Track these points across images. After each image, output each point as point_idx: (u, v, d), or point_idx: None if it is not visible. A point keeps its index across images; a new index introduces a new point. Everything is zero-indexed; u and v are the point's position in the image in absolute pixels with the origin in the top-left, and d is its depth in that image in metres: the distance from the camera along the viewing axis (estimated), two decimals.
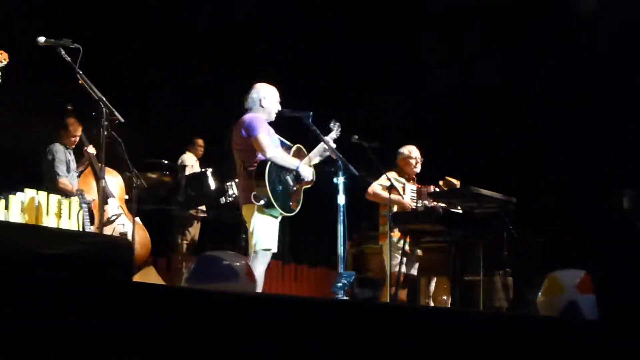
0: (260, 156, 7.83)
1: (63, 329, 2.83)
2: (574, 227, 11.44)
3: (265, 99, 8.06)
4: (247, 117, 7.95)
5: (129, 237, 9.03)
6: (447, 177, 9.81)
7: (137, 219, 9.48)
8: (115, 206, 9.29)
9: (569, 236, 11.04)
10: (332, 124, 8.44)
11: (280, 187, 7.86)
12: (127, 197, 9.62)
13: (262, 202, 7.68)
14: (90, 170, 9.28)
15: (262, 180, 7.71)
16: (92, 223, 8.64)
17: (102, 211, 7.27)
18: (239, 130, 7.87)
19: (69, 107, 8.84)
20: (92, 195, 9.02)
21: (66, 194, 8.84)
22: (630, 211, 10.08)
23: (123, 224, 9.32)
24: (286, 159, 8.02)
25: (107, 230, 8.83)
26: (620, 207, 10.12)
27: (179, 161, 11.72)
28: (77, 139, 9.40)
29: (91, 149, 9.04)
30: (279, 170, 7.91)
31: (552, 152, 12.80)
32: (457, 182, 9.78)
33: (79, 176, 9.25)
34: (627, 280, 6.95)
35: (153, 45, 11.67)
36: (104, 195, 7.42)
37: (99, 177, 8.91)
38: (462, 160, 12.43)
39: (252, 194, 7.68)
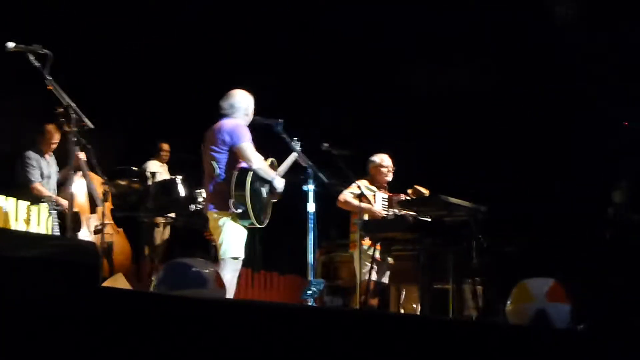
0: (242, 164, 7.79)
1: (28, 332, 2.81)
2: (543, 236, 11.47)
3: (249, 109, 8.04)
4: (231, 123, 7.88)
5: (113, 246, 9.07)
6: (415, 186, 9.83)
7: (121, 230, 9.49)
8: (101, 215, 9.26)
9: (539, 245, 11.06)
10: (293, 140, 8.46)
11: (257, 198, 7.85)
12: (112, 206, 9.62)
13: (239, 210, 7.65)
14: (81, 176, 9.23)
15: (243, 189, 7.68)
16: (77, 230, 8.67)
17: (70, 217, 7.19)
18: (220, 135, 7.79)
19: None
20: (80, 200, 9.01)
21: (42, 199, 8.82)
22: (622, 204, 10.11)
23: (111, 233, 9.29)
24: (267, 171, 8.01)
25: (94, 240, 8.79)
26: (611, 201, 10.16)
27: (143, 168, 11.69)
28: (55, 145, 9.38)
29: (81, 155, 8.99)
30: (259, 181, 7.89)
31: (522, 159, 12.83)
32: (426, 191, 9.80)
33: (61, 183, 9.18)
34: (604, 286, 6.99)
35: (121, 51, 11.62)
36: (72, 202, 7.34)
37: (88, 182, 8.89)
38: (432, 168, 12.44)
39: (231, 202, 7.64)
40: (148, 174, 11.22)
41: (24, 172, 9.25)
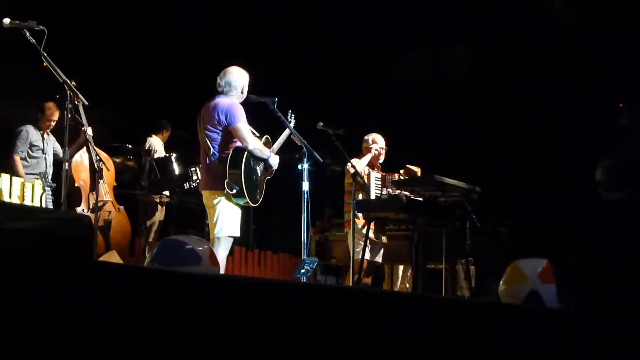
0: (237, 143, 7.78)
1: (19, 305, 2.82)
2: (536, 217, 11.49)
3: (245, 87, 8.02)
4: (226, 102, 7.84)
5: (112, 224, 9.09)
6: (407, 165, 9.85)
7: (122, 208, 9.49)
8: (103, 192, 9.25)
9: (532, 225, 11.09)
10: (288, 114, 8.46)
11: (252, 178, 7.85)
12: (115, 184, 9.62)
13: (234, 190, 7.65)
14: (85, 151, 9.22)
15: (238, 168, 7.68)
16: (77, 206, 8.70)
17: (65, 194, 7.20)
18: (216, 114, 7.75)
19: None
20: (84, 176, 9.03)
21: (16, 172, 8.85)
22: (605, 182, 10.15)
23: (109, 211, 9.30)
24: (262, 150, 7.99)
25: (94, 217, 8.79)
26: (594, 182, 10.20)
27: (146, 145, 11.69)
28: (54, 123, 9.38)
29: (89, 131, 8.97)
30: (254, 160, 7.89)
31: (515, 140, 12.84)
32: (417, 170, 9.82)
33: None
34: (591, 268, 7.01)
35: (118, 28, 11.60)
36: (68, 179, 7.34)
37: (94, 160, 8.89)
38: (427, 148, 12.45)
39: (225, 181, 7.64)
40: (146, 150, 11.26)
41: (13, 142, 9.27)
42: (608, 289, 6.41)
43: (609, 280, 6.75)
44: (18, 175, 8.93)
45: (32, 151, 9.37)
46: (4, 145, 9.44)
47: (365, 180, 9.32)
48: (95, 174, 8.89)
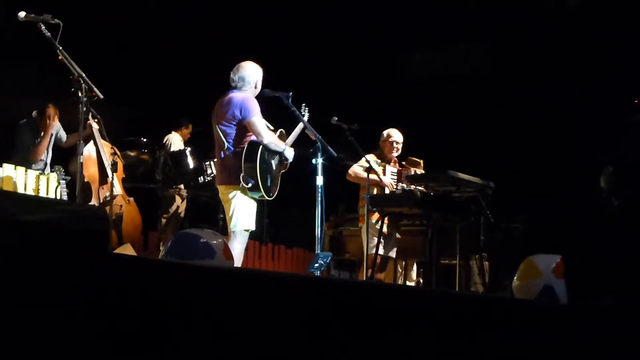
0: (252, 137, 7.79)
1: (34, 297, 2.82)
2: (550, 212, 11.47)
3: (258, 82, 8.02)
4: (240, 97, 7.84)
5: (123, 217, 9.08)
6: (410, 157, 9.86)
7: (132, 199, 9.49)
8: (115, 185, 9.26)
9: (546, 221, 11.07)
10: (302, 108, 8.46)
11: (267, 171, 7.86)
12: (124, 176, 9.62)
13: (250, 184, 7.65)
14: (92, 145, 9.21)
15: (254, 162, 7.68)
16: (87, 200, 8.68)
17: (80, 187, 7.21)
18: (230, 109, 7.76)
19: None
20: (92, 170, 9.02)
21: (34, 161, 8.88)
22: (608, 189, 10.13)
23: (120, 205, 9.29)
24: (277, 143, 8.00)
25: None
26: (598, 186, 10.17)
27: (165, 139, 11.70)
28: (51, 128, 9.32)
29: (94, 124, 8.98)
30: (268, 153, 7.90)
31: (530, 136, 12.83)
32: (420, 162, 9.82)
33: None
34: (599, 264, 7.00)
35: (133, 22, 11.61)
36: (81, 171, 7.35)
37: (101, 153, 8.90)
38: (442, 143, 12.44)
39: (241, 175, 7.64)
40: (161, 144, 11.28)
41: (20, 141, 9.27)
42: (607, 288, 6.41)
43: (608, 279, 6.75)
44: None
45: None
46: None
47: (381, 174, 9.31)
48: (104, 167, 8.89)
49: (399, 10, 12.99)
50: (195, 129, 11.98)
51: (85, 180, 9.13)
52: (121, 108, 10.13)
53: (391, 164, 9.66)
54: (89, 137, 9.05)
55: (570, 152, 12.20)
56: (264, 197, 7.84)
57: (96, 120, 8.84)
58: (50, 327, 2.84)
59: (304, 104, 8.46)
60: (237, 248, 7.64)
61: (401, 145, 9.76)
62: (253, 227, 7.87)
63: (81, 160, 7.20)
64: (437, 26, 13.18)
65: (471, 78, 13.66)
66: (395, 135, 9.73)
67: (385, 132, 9.78)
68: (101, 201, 9.14)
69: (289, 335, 3.69)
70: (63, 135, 9.43)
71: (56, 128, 9.45)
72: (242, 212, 7.77)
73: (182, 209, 11.59)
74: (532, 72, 13.11)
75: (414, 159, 9.84)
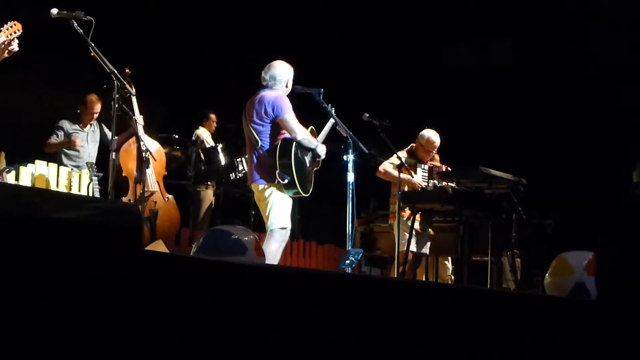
0: (285, 135, 7.81)
1: (68, 294, 2.84)
2: (582, 209, 11.42)
3: (289, 80, 8.03)
4: (272, 95, 7.85)
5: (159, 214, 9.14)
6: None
7: (171, 197, 9.52)
8: (151, 182, 9.30)
9: (577, 218, 11.02)
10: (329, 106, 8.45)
11: (301, 168, 7.86)
12: (165, 173, 9.66)
13: (286, 180, 7.66)
14: (134, 141, 9.27)
15: (288, 159, 7.69)
16: (123, 195, 8.75)
17: (112, 183, 7.24)
18: (262, 107, 7.78)
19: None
20: (131, 166, 9.08)
21: (55, 148, 8.95)
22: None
23: (155, 201, 9.33)
24: (311, 140, 8.02)
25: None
26: (631, 181, 10.10)
27: (193, 136, 11.73)
28: (96, 115, 9.45)
29: (140, 120, 9.04)
30: (302, 150, 7.91)
31: (563, 132, 12.78)
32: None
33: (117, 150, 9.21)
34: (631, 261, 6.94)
35: (166, 18, 11.66)
36: (115, 168, 7.39)
37: (142, 150, 8.95)
38: (474, 140, 12.41)
39: (277, 173, 7.66)
40: (192, 140, 11.31)
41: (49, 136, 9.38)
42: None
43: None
44: (56, 147, 9.09)
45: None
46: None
47: (412, 171, 9.29)
48: (143, 164, 8.94)
49: (431, 2, 13.00)
50: (226, 125, 12.01)
51: (124, 174, 9.19)
52: (153, 104, 10.15)
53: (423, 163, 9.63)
54: (133, 133, 9.13)
55: (603, 147, 12.13)
56: (300, 193, 7.85)
57: (134, 116, 8.91)
58: (82, 324, 2.86)
59: (329, 104, 8.42)
60: (274, 246, 7.65)
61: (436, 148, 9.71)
62: (289, 225, 7.88)
63: (113, 157, 7.25)
64: (471, 19, 13.15)
65: (503, 72, 13.60)
66: (436, 140, 9.60)
67: (426, 134, 9.63)
68: (137, 197, 9.19)
69: (320, 332, 3.69)
70: (108, 134, 9.52)
71: (96, 134, 9.54)
72: (279, 210, 7.78)
73: (213, 206, 11.62)
74: (566, 65, 13.05)
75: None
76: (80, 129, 9.47)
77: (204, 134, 11.87)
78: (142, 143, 8.91)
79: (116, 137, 9.41)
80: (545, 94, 13.13)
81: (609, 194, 11.20)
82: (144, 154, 8.88)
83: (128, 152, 9.27)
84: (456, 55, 14.04)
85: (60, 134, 9.38)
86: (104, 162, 9.32)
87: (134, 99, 8.88)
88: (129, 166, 9.23)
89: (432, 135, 9.65)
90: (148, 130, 9.36)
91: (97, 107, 9.42)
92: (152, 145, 9.23)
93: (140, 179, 9.00)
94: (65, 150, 9.37)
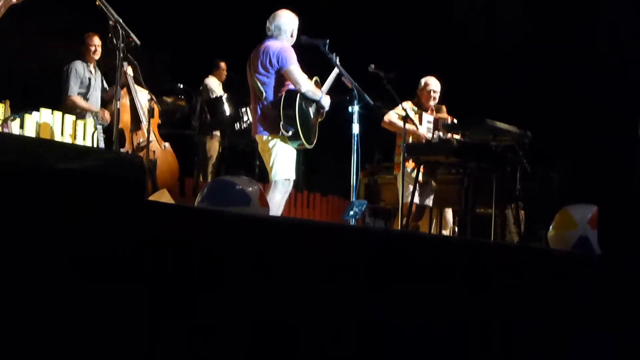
0: (289, 86, 7.79)
1: (74, 243, 2.84)
2: (587, 162, 11.41)
3: (294, 30, 7.99)
4: (276, 45, 7.83)
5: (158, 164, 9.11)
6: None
7: (168, 145, 9.50)
8: (146, 131, 9.29)
9: (582, 171, 11.01)
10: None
11: (306, 119, 7.85)
12: (159, 122, 9.64)
13: (290, 132, 7.65)
14: (126, 92, 9.25)
15: (292, 110, 7.68)
16: (121, 147, 8.72)
17: (117, 133, 7.24)
18: (267, 59, 7.76)
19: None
20: (125, 118, 9.06)
21: (77, 111, 8.90)
22: None
23: (154, 150, 9.31)
24: (314, 91, 8.00)
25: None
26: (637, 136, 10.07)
27: (202, 85, 11.70)
28: (97, 54, 9.41)
29: (129, 70, 9.02)
30: (306, 102, 7.89)
31: (568, 85, 12.71)
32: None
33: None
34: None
35: None
36: (118, 118, 7.37)
37: (134, 100, 8.93)
38: (480, 92, 12.37)
39: (280, 124, 7.65)
40: (198, 90, 11.27)
41: (65, 83, 9.33)
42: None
43: None
44: (81, 107, 9.06)
45: (82, 88, 9.41)
46: (57, 86, 9.48)
47: (417, 121, 9.28)
48: (137, 114, 8.93)
49: None
50: (231, 74, 11.98)
51: (120, 127, 9.17)
52: (158, 54, 10.11)
53: (428, 112, 9.62)
54: (123, 83, 9.09)
55: (610, 102, 12.07)
56: (304, 145, 7.84)
57: (131, 66, 8.87)
58: (86, 276, 2.87)
59: (334, 53, 8.37)
60: (277, 197, 7.67)
61: (438, 93, 9.70)
62: (294, 176, 7.89)
63: (118, 106, 7.23)
64: None
65: (511, 25, 13.53)
66: (433, 83, 9.67)
67: (423, 80, 9.71)
68: (134, 148, 9.18)
69: (322, 284, 3.70)
70: (105, 85, 9.50)
71: (99, 78, 9.51)
72: (282, 161, 7.78)
73: (218, 156, 11.61)
74: (577, 19, 12.97)
75: (436, 105, 9.79)
76: (92, 73, 9.45)
77: (213, 83, 11.84)
78: (135, 93, 8.89)
79: (107, 89, 9.46)
80: (552, 45, 13.05)
81: (613, 150, 11.18)
82: (149, 103, 8.87)
83: (122, 104, 9.24)
84: (464, 4, 13.96)
85: (75, 84, 9.33)
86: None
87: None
88: (124, 118, 9.21)
89: (428, 79, 9.69)
90: (154, 80, 9.34)
91: (95, 40, 9.39)
92: (142, 96, 9.20)
93: (136, 128, 9.00)
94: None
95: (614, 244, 5.95)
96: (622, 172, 10.08)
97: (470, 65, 13.12)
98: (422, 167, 9.07)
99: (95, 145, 8.38)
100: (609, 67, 12.29)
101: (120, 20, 7.03)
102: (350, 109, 8.15)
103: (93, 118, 8.62)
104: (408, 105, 9.26)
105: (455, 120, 9.46)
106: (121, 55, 7.07)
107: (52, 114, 8.23)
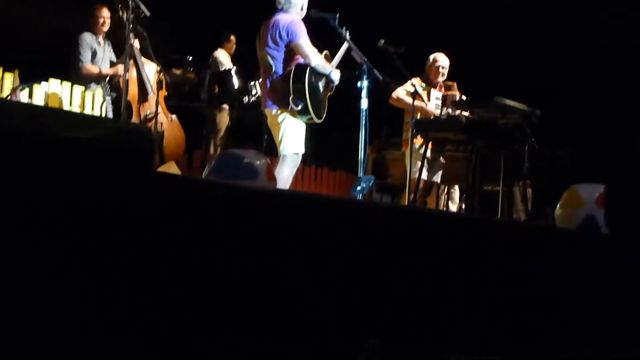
0: (299, 60, 7.77)
1: (79, 214, 2.85)
2: (595, 141, 11.39)
3: (305, 4, 7.97)
4: (286, 18, 7.81)
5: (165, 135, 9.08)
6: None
7: (174, 117, 9.48)
8: (153, 103, 9.27)
9: (591, 150, 10.99)
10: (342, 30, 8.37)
11: (315, 94, 7.84)
12: (166, 94, 9.61)
13: (299, 106, 7.65)
14: (132, 64, 9.22)
15: (302, 84, 7.67)
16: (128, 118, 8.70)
17: (125, 104, 7.24)
18: (277, 32, 7.74)
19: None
20: (132, 90, 9.04)
21: (92, 80, 8.88)
22: None
23: (161, 122, 9.30)
24: (325, 65, 7.99)
25: None
26: None
27: (211, 58, 11.67)
28: (106, 25, 9.37)
29: (136, 43, 8.99)
30: (315, 76, 7.87)
31: (577, 64, 12.67)
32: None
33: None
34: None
35: None
36: (127, 90, 7.37)
37: (140, 72, 8.91)
38: (489, 69, 12.33)
39: (290, 98, 7.64)
40: (207, 64, 11.24)
41: (76, 54, 9.29)
42: None
43: None
44: (102, 76, 9.04)
45: (91, 59, 9.40)
46: (66, 56, 9.46)
47: (425, 98, 9.26)
48: (144, 86, 8.90)
49: None
50: (241, 46, 11.95)
51: (127, 99, 9.16)
52: (168, 25, 10.09)
53: (436, 88, 9.61)
54: (130, 55, 9.07)
55: (619, 81, 12.03)
56: (313, 119, 7.84)
57: (140, 38, 8.85)
58: (95, 245, 2.88)
59: (344, 27, 8.34)
60: (286, 171, 7.67)
61: (447, 70, 9.70)
62: (302, 150, 7.89)
63: (127, 77, 7.22)
64: None
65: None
66: (442, 59, 9.67)
67: (431, 57, 9.72)
68: (141, 119, 9.16)
69: (329, 258, 3.71)
70: (113, 57, 9.48)
71: (108, 50, 9.49)
72: (291, 135, 7.78)
73: (227, 129, 11.60)
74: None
75: (447, 82, 9.78)
76: (100, 45, 9.42)
77: (222, 55, 11.80)
78: (142, 65, 8.87)
79: (128, 60, 9.42)
80: (563, 23, 13.01)
81: (623, 128, 11.17)
82: (157, 75, 8.86)
83: (129, 76, 9.23)
84: None
85: (87, 54, 9.30)
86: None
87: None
88: (131, 90, 9.19)
89: (436, 54, 9.73)
90: (163, 52, 9.31)
91: (103, 12, 9.33)
92: (149, 68, 9.18)
93: (143, 100, 8.98)
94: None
95: (621, 223, 5.96)
96: (629, 155, 10.07)
97: (482, 43, 13.07)
98: (430, 143, 9.06)
99: (104, 116, 8.38)
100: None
101: None
102: (359, 83, 8.14)
103: (102, 89, 8.61)
104: (417, 81, 9.25)
105: (464, 97, 9.45)
106: (130, 26, 7.06)
107: (60, 84, 8.22)
